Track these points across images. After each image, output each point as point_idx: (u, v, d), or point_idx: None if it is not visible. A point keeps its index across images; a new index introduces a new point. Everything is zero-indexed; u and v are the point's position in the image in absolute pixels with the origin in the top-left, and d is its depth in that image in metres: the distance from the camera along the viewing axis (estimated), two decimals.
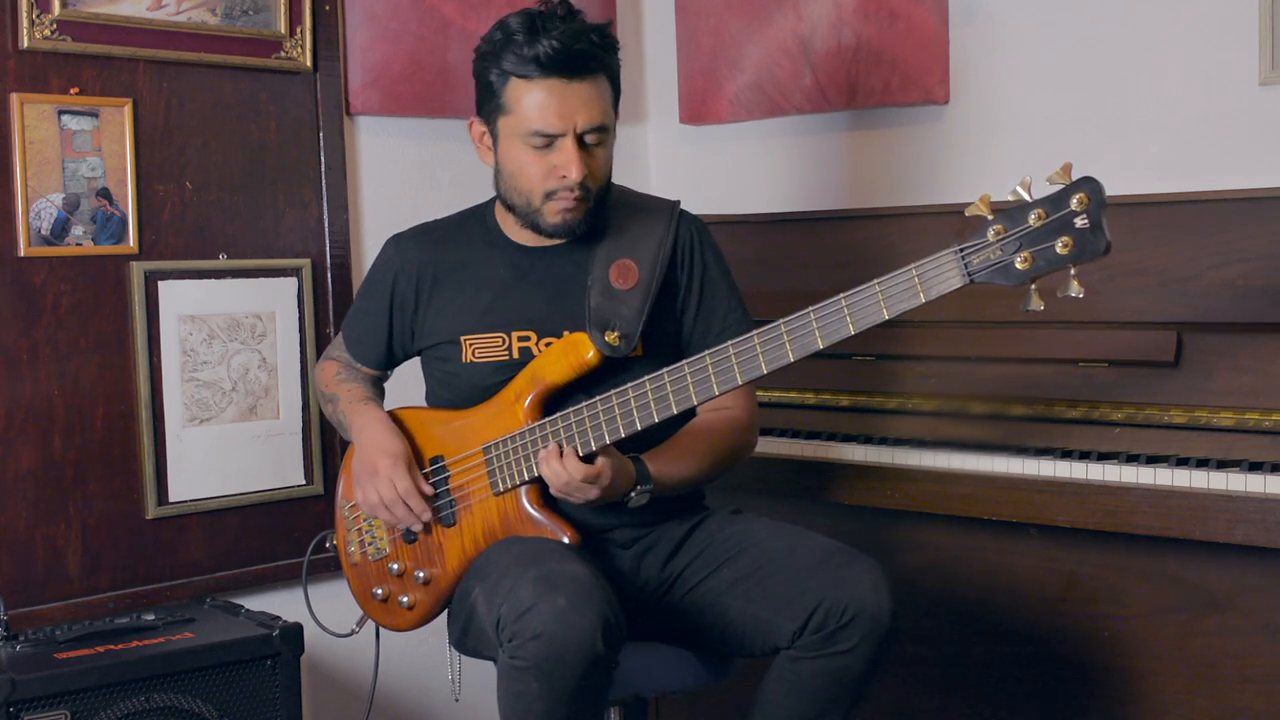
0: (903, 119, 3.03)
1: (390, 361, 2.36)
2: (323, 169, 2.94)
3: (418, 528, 2.20)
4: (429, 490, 2.19)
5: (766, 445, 2.63)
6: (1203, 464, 2.21)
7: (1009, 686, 2.53)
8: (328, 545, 2.34)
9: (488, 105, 2.14)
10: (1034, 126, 2.83)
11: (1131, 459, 2.28)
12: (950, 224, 2.72)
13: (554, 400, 2.15)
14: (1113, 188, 2.76)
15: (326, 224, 2.94)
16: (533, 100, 2.08)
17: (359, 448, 2.23)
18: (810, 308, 1.94)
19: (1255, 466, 2.17)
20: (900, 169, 3.04)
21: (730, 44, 3.26)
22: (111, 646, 2.39)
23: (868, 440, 2.59)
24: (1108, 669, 2.41)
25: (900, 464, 2.50)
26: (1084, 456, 2.33)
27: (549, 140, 2.09)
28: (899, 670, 2.64)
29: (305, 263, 2.91)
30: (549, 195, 2.13)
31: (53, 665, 2.30)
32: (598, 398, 2.07)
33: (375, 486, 2.17)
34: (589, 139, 2.10)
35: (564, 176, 2.10)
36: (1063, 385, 2.45)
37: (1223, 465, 2.19)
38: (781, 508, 2.61)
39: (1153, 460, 2.26)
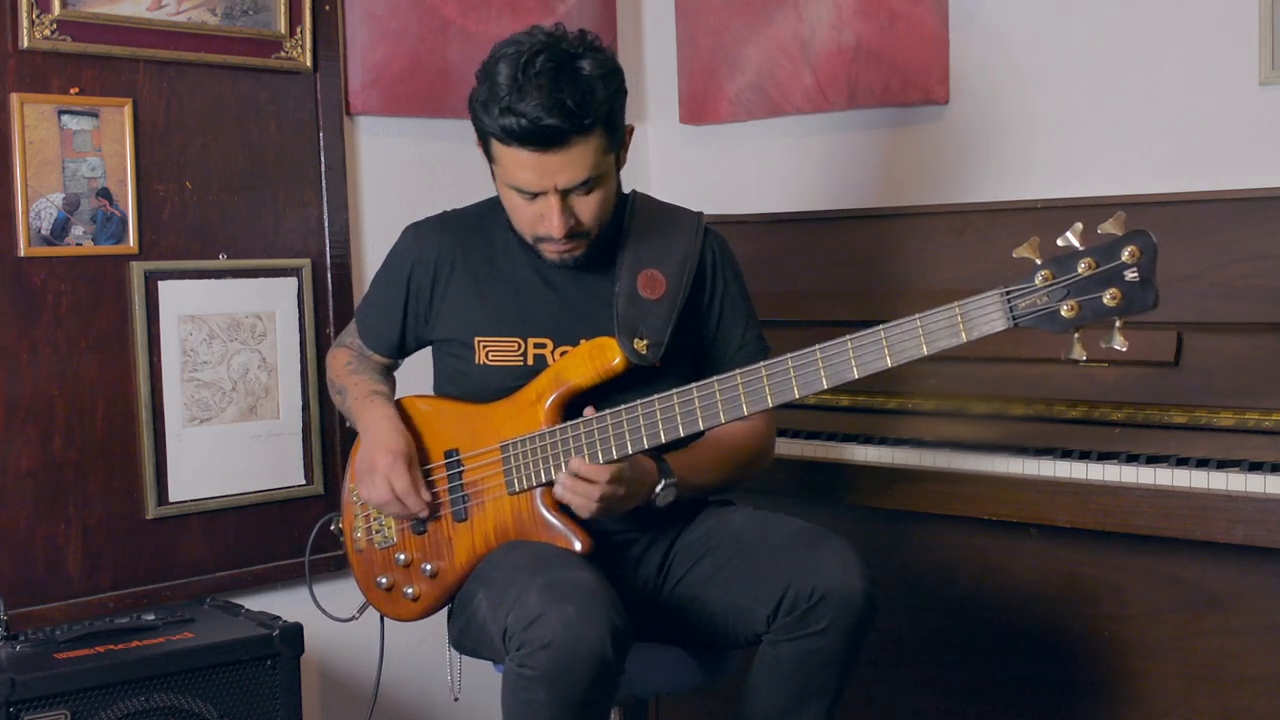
0: (903, 119, 3.03)
1: (402, 350, 2.35)
2: (323, 169, 2.94)
3: (422, 515, 2.21)
4: (427, 496, 2.19)
5: None
6: (1203, 464, 2.21)
7: (1009, 686, 2.53)
8: (333, 528, 2.33)
9: (481, 142, 2.12)
10: (1034, 126, 2.83)
11: (1131, 459, 2.28)
12: (950, 224, 2.73)
13: (573, 405, 2.14)
14: (1113, 188, 2.76)
15: (326, 224, 2.94)
16: (512, 161, 2.05)
17: (363, 443, 2.23)
18: (847, 336, 1.93)
19: (1255, 466, 2.17)
20: (900, 169, 3.04)
21: (730, 44, 3.26)
22: (111, 646, 2.39)
23: (868, 440, 2.59)
24: (1107, 669, 2.41)
25: (900, 464, 2.50)
26: (1084, 456, 2.33)
27: (533, 195, 2.07)
28: (898, 670, 2.65)
29: (305, 263, 2.91)
30: (539, 239, 2.13)
31: (53, 665, 2.30)
32: (622, 407, 2.07)
33: (374, 483, 2.18)
34: (576, 190, 2.07)
35: (549, 228, 2.09)
36: (1063, 385, 2.45)
37: (1223, 465, 2.19)
38: (780, 508, 2.60)
39: (1153, 460, 2.26)
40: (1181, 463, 2.23)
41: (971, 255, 2.66)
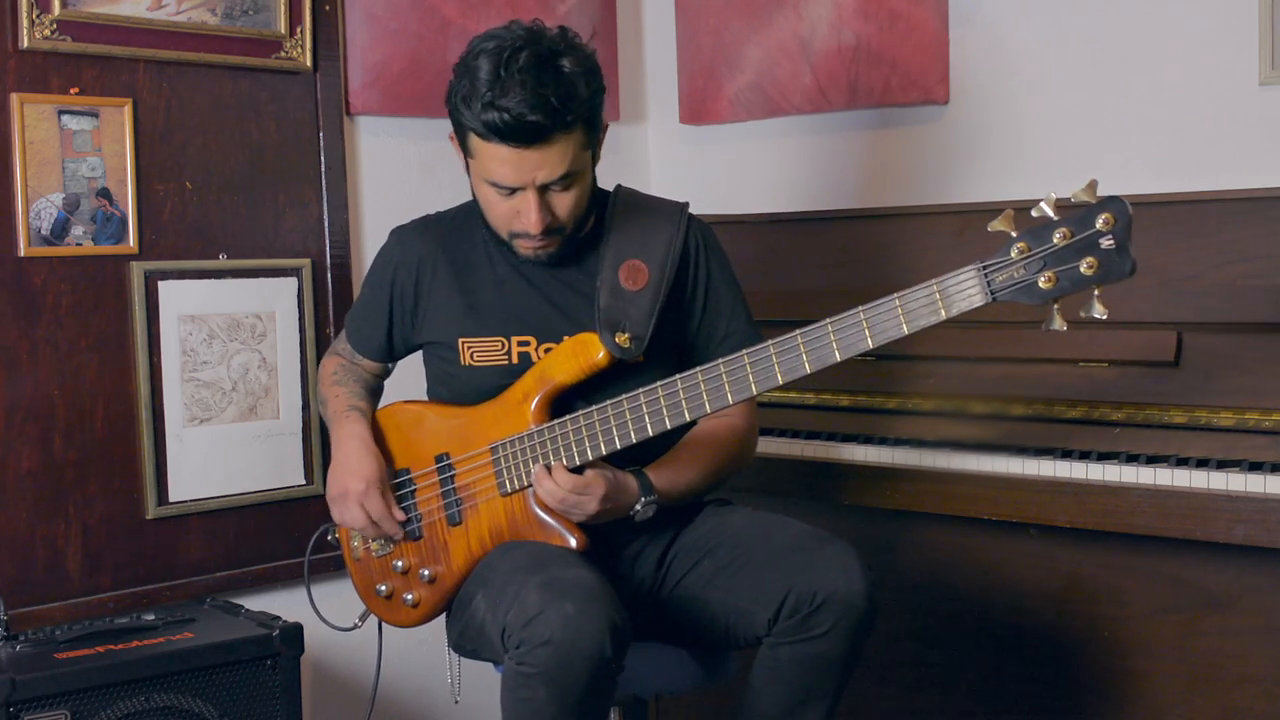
0: (903, 119, 3.03)
1: (391, 354, 2.35)
2: (323, 169, 2.94)
3: (397, 536, 2.22)
4: (400, 516, 2.20)
5: (766, 445, 2.62)
6: (1203, 464, 2.21)
7: (1008, 686, 2.53)
8: (330, 538, 2.34)
9: (459, 137, 2.11)
10: (1034, 126, 2.83)
11: (1131, 459, 2.28)
12: (950, 224, 2.73)
13: (560, 401, 2.14)
14: (1112, 188, 2.76)
15: (326, 224, 2.94)
16: (491, 157, 2.04)
17: (334, 465, 2.24)
18: (828, 319, 1.92)
19: (1255, 466, 2.17)
20: (900, 169, 3.04)
21: (730, 44, 3.26)
22: (111, 646, 2.39)
23: (868, 440, 2.59)
24: (1107, 669, 2.41)
25: (900, 464, 2.50)
26: (1084, 456, 2.33)
27: (511, 190, 2.07)
28: (898, 670, 2.65)
29: (305, 263, 2.91)
30: (514, 235, 2.13)
31: (53, 665, 2.30)
32: (608, 402, 2.07)
33: (346, 509, 2.20)
34: (554, 186, 2.07)
35: (525, 224, 2.09)
36: (1063, 385, 2.45)
37: (1223, 465, 2.19)
38: (780, 508, 2.60)
39: (1153, 460, 2.26)
40: (1181, 463, 2.23)
41: (971, 255, 2.63)
